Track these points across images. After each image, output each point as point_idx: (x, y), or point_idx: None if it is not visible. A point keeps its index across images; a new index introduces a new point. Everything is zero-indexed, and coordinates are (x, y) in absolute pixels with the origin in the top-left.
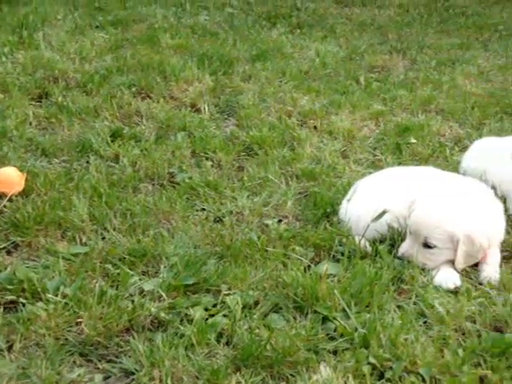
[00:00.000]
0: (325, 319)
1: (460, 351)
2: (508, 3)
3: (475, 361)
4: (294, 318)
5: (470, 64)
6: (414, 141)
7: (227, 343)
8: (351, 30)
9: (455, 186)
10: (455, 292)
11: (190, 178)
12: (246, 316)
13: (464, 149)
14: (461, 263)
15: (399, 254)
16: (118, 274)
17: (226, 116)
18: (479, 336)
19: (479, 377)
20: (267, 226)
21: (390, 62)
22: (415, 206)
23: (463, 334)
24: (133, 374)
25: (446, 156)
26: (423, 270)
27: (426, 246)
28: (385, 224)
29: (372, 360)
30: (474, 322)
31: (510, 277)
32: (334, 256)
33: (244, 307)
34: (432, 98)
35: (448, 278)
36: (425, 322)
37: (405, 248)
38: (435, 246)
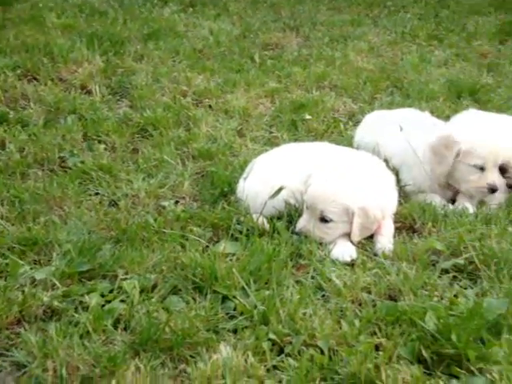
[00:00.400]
0: (224, 298)
1: (356, 322)
2: None
3: (371, 330)
4: (194, 299)
5: (361, 40)
6: (309, 117)
7: (125, 328)
8: (244, 7)
9: (349, 161)
10: (352, 264)
11: (82, 162)
12: (144, 300)
13: (357, 123)
14: (356, 235)
15: (296, 229)
16: (7, 264)
17: (118, 97)
18: (374, 306)
19: (375, 345)
20: (164, 207)
21: (284, 39)
22: (311, 181)
23: (360, 304)
24: (25, 366)
25: (341, 131)
26: (320, 244)
27: (323, 220)
28: (282, 200)
29: (272, 336)
30: (370, 293)
31: (402, 247)
32: (232, 235)
33: (142, 291)
34: (326, 74)
35: (344, 251)
36: (323, 296)
37: (302, 223)
38: (331, 220)
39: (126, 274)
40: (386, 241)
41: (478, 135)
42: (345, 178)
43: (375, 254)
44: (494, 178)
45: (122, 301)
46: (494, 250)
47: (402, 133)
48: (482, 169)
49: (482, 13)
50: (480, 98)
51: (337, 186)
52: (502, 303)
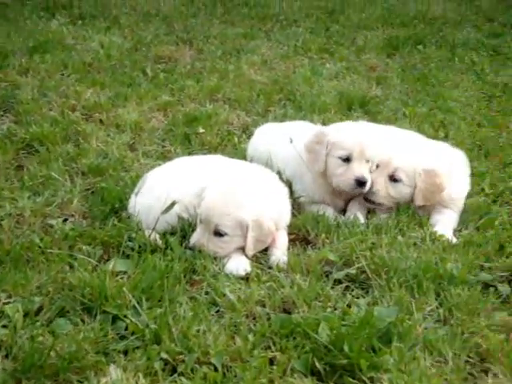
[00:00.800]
0: (115, 318)
1: (250, 336)
2: None
3: (265, 344)
4: (83, 321)
5: (254, 53)
6: (202, 130)
7: (6, 356)
8: (136, 20)
9: (241, 173)
10: (246, 278)
11: None
12: (28, 324)
13: (251, 136)
14: (251, 249)
15: (190, 244)
16: None
17: (2, 112)
18: (269, 319)
19: (269, 359)
20: (51, 226)
21: (177, 52)
22: (204, 195)
23: (254, 318)
24: None
25: (235, 144)
26: (215, 259)
27: (217, 233)
28: (175, 215)
29: (164, 355)
30: (264, 306)
31: (296, 259)
32: (123, 252)
33: (26, 315)
34: (219, 87)
35: (238, 265)
36: (217, 311)
37: (196, 238)
38: (226, 234)
39: (9, 297)
40: (280, 253)
41: (346, 129)
42: (238, 191)
43: (270, 267)
44: (362, 171)
45: (4, 326)
46: (385, 259)
47: (292, 145)
48: (347, 160)
49: (370, 27)
50: (370, 110)
51: (230, 199)
52: (391, 311)
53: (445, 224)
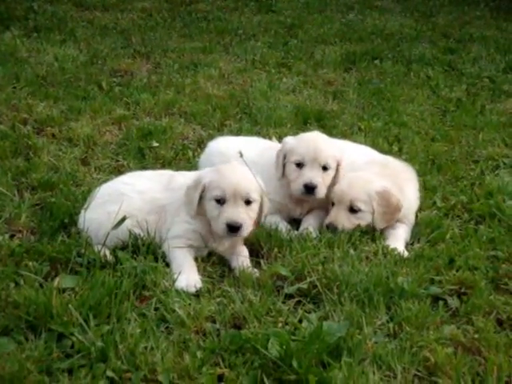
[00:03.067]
0: (61, 336)
1: (199, 353)
2: (246, 9)
3: (214, 360)
4: (27, 339)
5: (211, 67)
6: (156, 144)
7: None
8: (93, 33)
9: None
10: (197, 294)
11: None
12: None
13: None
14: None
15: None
16: None
17: None
18: (219, 335)
19: (218, 376)
20: None
21: (134, 65)
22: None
23: (204, 334)
24: None
25: (189, 158)
26: (166, 274)
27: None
28: (126, 230)
29: (110, 373)
30: (215, 322)
31: (248, 273)
32: (72, 268)
33: None
34: (175, 100)
35: (189, 281)
36: (166, 328)
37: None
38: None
39: None
40: (246, 261)
41: (302, 137)
42: None
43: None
44: (312, 175)
45: None
46: (337, 274)
47: (243, 158)
48: (300, 165)
49: (328, 42)
50: (326, 124)
51: None
52: (342, 326)
53: (397, 238)
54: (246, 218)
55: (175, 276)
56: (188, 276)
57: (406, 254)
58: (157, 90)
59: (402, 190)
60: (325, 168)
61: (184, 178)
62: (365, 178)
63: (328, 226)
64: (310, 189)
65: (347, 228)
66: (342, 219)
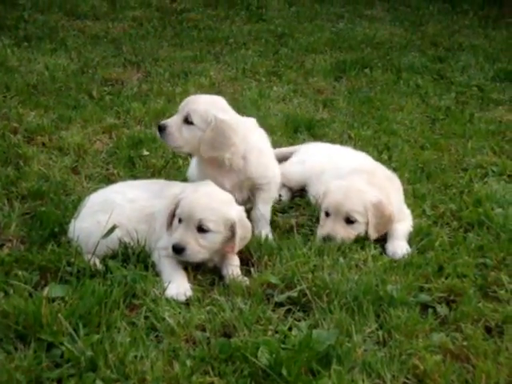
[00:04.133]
0: (50, 346)
1: (189, 361)
2: (237, 18)
3: (204, 369)
4: (16, 349)
5: (202, 75)
6: (146, 153)
7: None
8: (84, 42)
9: None
10: (187, 302)
11: None
12: None
13: None
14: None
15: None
16: None
17: None
18: (209, 343)
19: None
20: None
21: (124, 74)
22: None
23: (194, 343)
24: None
25: (180, 166)
26: (156, 283)
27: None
28: (116, 239)
29: (99, 383)
30: (204, 330)
31: (238, 281)
32: (62, 278)
33: None
34: (165, 109)
35: (179, 289)
36: (156, 336)
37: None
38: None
39: None
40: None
41: None
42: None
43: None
44: None
45: None
46: (326, 282)
47: None
48: None
49: (318, 51)
50: (316, 133)
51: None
52: (331, 334)
53: (397, 236)
54: (193, 243)
55: (165, 285)
56: (178, 284)
57: (408, 250)
58: (147, 98)
59: (389, 198)
60: None
61: (178, 187)
62: (359, 188)
63: (325, 238)
64: None
65: (345, 238)
66: (340, 230)
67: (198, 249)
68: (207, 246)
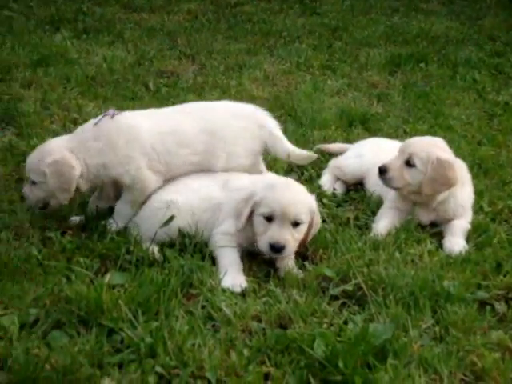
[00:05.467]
0: (111, 331)
1: (246, 351)
2: (291, 11)
3: (260, 359)
4: (78, 334)
5: (256, 69)
6: None
7: (1, 367)
8: (140, 35)
9: None
10: (243, 293)
11: None
12: (23, 336)
13: None
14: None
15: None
16: None
17: (4, 125)
18: (264, 334)
19: (264, 374)
20: (50, 238)
21: (180, 67)
22: None
23: (250, 333)
24: None
25: None
26: (212, 273)
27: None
28: (176, 228)
29: (159, 369)
30: (260, 321)
31: (292, 273)
32: (121, 265)
33: (22, 327)
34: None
35: (234, 281)
36: (213, 326)
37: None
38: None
39: (5, 309)
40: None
41: None
42: None
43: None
44: None
45: (0, 338)
46: (382, 276)
47: None
48: None
49: (372, 45)
50: (370, 127)
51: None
52: (387, 328)
53: (455, 232)
54: (291, 239)
55: (221, 275)
56: (234, 276)
57: (466, 247)
58: (202, 91)
59: (463, 184)
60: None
61: (247, 178)
62: (436, 143)
63: (379, 168)
64: None
65: (394, 177)
66: (396, 168)
67: (294, 243)
68: (299, 238)
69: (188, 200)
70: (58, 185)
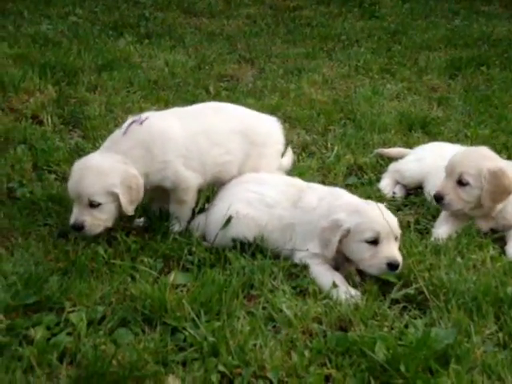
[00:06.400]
0: (174, 330)
1: (306, 352)
2: (349, 15)
3: (321, 361)
4: (143, 331)
5: (315, 72)
6: None
7: (71, 362)
8: (200, 39)
9: None
10: (303, 295)
11: (31, 192)
12: (91, 333)
13: (311, 154)
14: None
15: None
16: None
17: (71, 127)
18: (325, 336)
19: (325, 376)
20: (115, 238)
21: (239, 71)
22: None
23: (310, 335)
24: None
25: (294, 162)
26: (272, 273)
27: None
28: (241, 231)
29: (221, 368)
30: (321, 323)
31: (353, 277)
32: (183, 266)
33: (90, 323)
34: (280, 105)
35: (350, 293)
36: (274, 327)
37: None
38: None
39: (74, 306)
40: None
41: None
42: None
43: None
44: None
45: (69, 334)
46: (443, 281)
47: None
48: None
49: (432, 48)
50: (431, 131)
51: None
52: (449, 333)
53: None
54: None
55: (329, 290)
56: (345, 289)
57: None
58: (262, 94)
59: None
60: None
61: (315, 195)
62: (480, 153)
63: (435, 197)
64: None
65: (453, 200)
66: (450, 190)
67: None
68: None
69: (259, 216)
70: (128, 198)
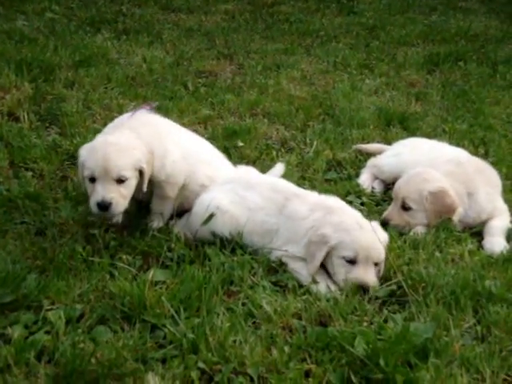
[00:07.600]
0: (154, 327)
1: (286, 348)
2: (327, 10)
3: (301, 356)
4: (122, 329)
5: (294, 68)
6: (241, 144)
7: (49, 361)
8: (178, 35)
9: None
10: (283, 290)
11: (8, 189)
12: (69, 331)
13: (290, 150)
14: None
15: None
16: None
17: (47, 124)
18: (305, 332)
19: (305, 371)
20: (93, 235)
21: (218, 67)
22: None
23: (290, 331)
24: None
25: (273, 157)
26: (251, 269)
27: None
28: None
29: (201, 365)
30: (301, 319)
31: None
32: (163, 263)
33: (68, 322)
34: (258, 101)
35: (330, 287)
36: (254, 323)
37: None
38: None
39: (52, 304)
40: None
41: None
42: None
43: None
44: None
45: (47, 332)
46: (422, 275)
47: None
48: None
49: (410, 44)
50: (409, 126)
51: None
52: (428, 327)
53: (494, 232)
54: (375, 279)
55: (310, 284)
56: (325, 282)
57: (506, 246)
58: (240, 90)
59: (470, 189)
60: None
61: (305, 205)
62: (423, 177)
63: (382, 222)
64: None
65: (399, 225)
66: (394, 216)
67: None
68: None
69: (239, 216)
70: (148, 174)
